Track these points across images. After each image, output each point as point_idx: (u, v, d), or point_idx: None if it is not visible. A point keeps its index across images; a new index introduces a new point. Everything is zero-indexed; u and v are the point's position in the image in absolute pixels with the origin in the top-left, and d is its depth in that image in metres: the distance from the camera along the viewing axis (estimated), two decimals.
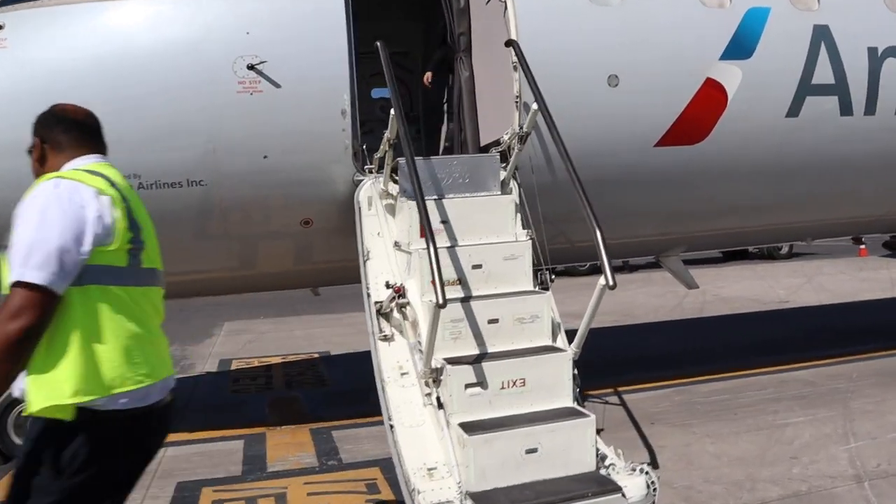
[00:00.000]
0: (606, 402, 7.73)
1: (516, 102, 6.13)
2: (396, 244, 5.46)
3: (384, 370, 5.06)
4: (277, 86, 5.72)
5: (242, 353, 11.48)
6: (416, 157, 5.80)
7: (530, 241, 5.43)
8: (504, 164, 5.92)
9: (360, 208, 5.78)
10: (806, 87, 6.81)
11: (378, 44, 5.57)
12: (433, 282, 4.29)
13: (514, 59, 5.84)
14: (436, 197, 5.60)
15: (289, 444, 6.90)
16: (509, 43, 5.89)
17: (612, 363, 9.57)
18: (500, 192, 5.81)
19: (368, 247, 5.59)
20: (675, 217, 7.19)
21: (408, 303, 5.21)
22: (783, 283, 16.31)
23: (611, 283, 4.42)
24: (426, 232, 4.47)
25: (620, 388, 8.15)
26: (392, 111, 5.23)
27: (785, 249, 21.41)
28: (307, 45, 5.78)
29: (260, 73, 5.69)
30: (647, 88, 6.40)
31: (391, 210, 5.74)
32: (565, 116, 6.19)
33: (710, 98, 6.56)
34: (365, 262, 5.55)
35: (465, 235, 5.46)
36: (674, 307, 13.84)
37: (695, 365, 9.06)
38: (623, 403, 7.69)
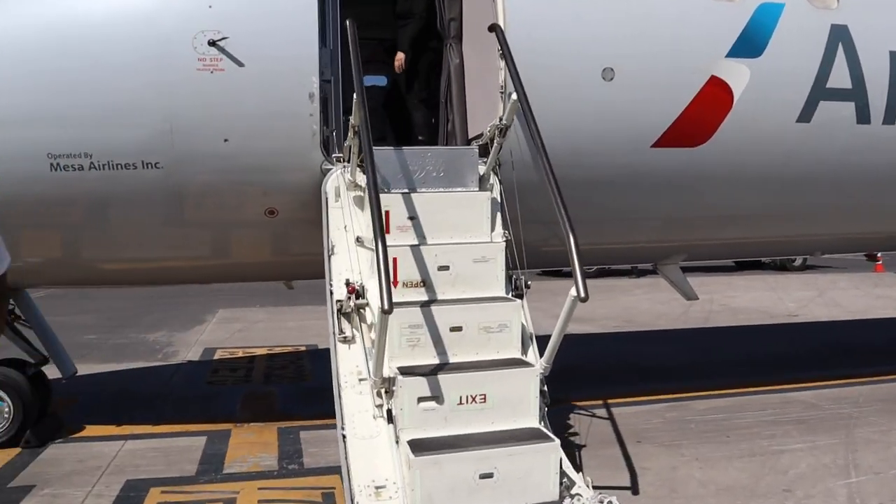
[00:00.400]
0: (594, 415, 7.18)
1: (501, 93, 5.58)
2: (359, 240, 4.96)
3: (341, 374, 4.63)
4: (240, 64, 5.22)
5: (229, 343, 11.06)
6: (386, 148, 5.32)
7: (504, 244, 4.90)
8: (484, 159, 5.39)
9: (326, 199, 5.31)
10: (820, 91, 6.19)
11: (347, 22, 5.08)
12: (381, 283, 3.78)
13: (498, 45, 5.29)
14: (405, 191, 5.09)
15: (252, 444, 6.44)
16: (492, 28, 5.35)
17: (607, 372, 9.03)
18: (477, 189, 5.28)
19: (333, 241, 5.12)
20: (672, 223, 6.62)
21: (366, 304, 4.72)
22: (794, 296, 15.63)
23: (582, 294, 3.88)
24: (374, 227, 3.96)
25: (611, 400, 7.59)
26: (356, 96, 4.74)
27: (798, 261, 20.66)
28: (273, 21, 5.28)
29: (222, 49, 5.19)
30: (645, 84, 5.83)
31: (360, 203, 5.24)
32: (554, 111, 5.67)
33: (715, 98, 5.98)
34: (329, 257, 5.07)
35: (434, 233, 4.95)
36: (678, 315, 13.23)
37: (693, 379, 8.50)
38: (611, 417, 7.14)
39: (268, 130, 5.34)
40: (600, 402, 7.53)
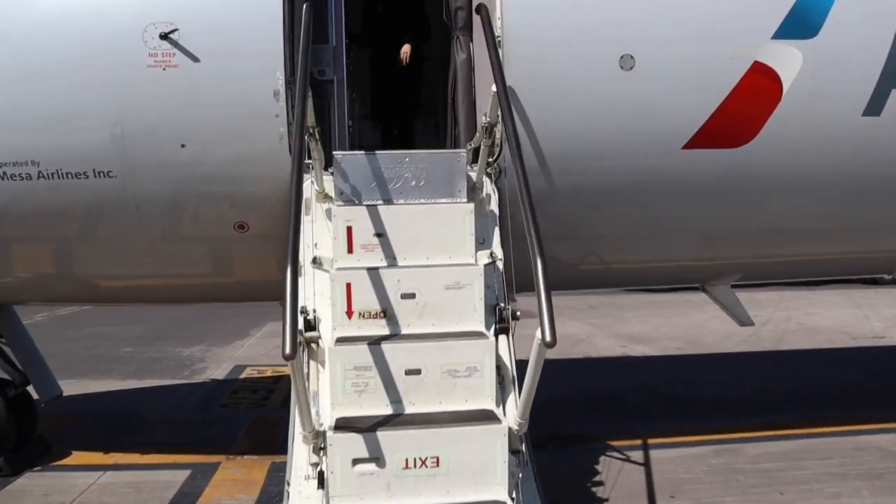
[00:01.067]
0: (627, 459, 6.16)
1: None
2: (315, 260, 4.16)
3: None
4: (195, 59, 4.53)
5: (264, 360, 10.45)
6: (357, 153, 4.53)
7: (481, 267, 4.00)
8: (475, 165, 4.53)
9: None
10: (891, 78, 5.02)
11: (304, 6, 4.31)
12: (285, 315, 2.98)
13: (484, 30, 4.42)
14: (378, 202, 4.27)
15: (235, 482, 5.75)
16: (478, 9, 4.48)
17: (654, 403, 7.93)
18: (465, 200, 4.41)
19: (317, 254, 4.35)
20: (714, 238, 5.55)
21: (318, 337, 3.92)
22: (882, 315, 13.94)
23: (548, 338, 2.96)
24: (288, 252, 3.15)
25: (651, 440, 6.54)
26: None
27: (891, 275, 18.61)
28: (233, 10, 4.57)
29: (175, 43, 4.51)
30: (672, 73, 4.83)
31: (330, 216, 4.45)
32: (564, 107, 4.78)
33: (759, 88, 4.91)
34: (314, 272, 4.31)
35: (404, 253, 4.13)
36: (749, 336, 11.85)
37: (751, 414, 7.32)
38: (647, 462, 6.10)
39: (228, 134, 4.63)
40: (639, 441, 6.50)
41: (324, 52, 6.33)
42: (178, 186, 4.76)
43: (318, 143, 4.19)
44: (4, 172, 4.65)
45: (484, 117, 4.34)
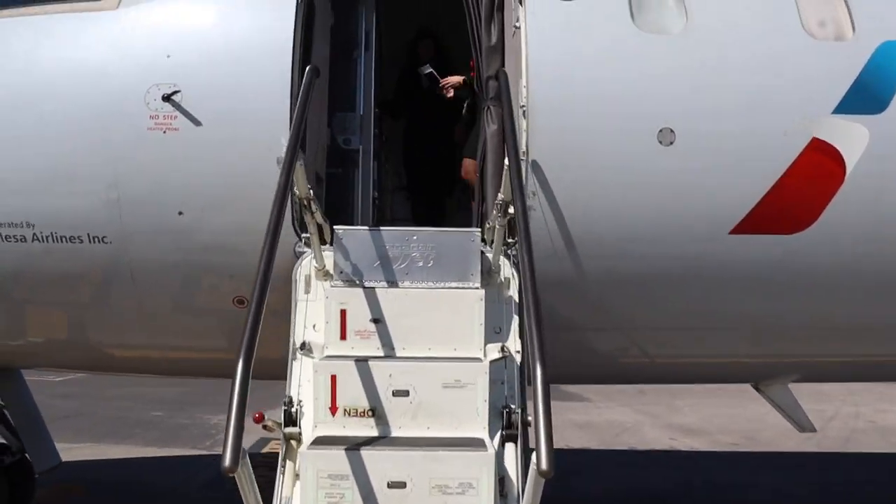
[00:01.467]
0: None
1: (523, 160, 4.24)
2: (304, 346, 3.69)
3: None
4: (197, 123, 4.22)
5: None
6: (360, 228, 4.11)
7: (487, 364, 3.47)
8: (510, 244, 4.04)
9: (296, 290, 4.12)
10: None
11: (308, 69, 3.98)
12: (227, 424, 2.51)
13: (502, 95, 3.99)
14: (381, 283, 3.81)
15: None
16: (497, 75, 4.07)
17: None
18: (478, 284, 3.91)
19: (307, 338, 3.89)
20: (767, 334, 4.89)
21: (299, 433, 3.43)
22: None
23: (544, 466, 2.40)
24: (243, 338, 2.70)
25: None
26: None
27: None
28: (237, 71, 4.26)
29: (177, 105, 4.22)
30: (718, 149, 4.30)
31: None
32: (596, 185, 4.27)
33: (818, 167, 4.33)
34: (291, 361, 3.85)
35: (403, 343, 3.65)
36: (812, 433, 10.81)
37: None
38: None
39: (228, 202, 4.27)
40: None
41: (350, 121, 6.02)
42: (174, 256, 4.41)
43: (315, 215, 3.78)
44: (1, 233, 4.39)
45: (499, 194, 3.87)
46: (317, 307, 3.99)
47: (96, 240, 4.37)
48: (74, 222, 4.35)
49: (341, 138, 5.99)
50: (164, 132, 4.23)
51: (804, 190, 4.36)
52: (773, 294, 4.63)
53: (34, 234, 4.38)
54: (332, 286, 3.84)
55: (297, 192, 3.66)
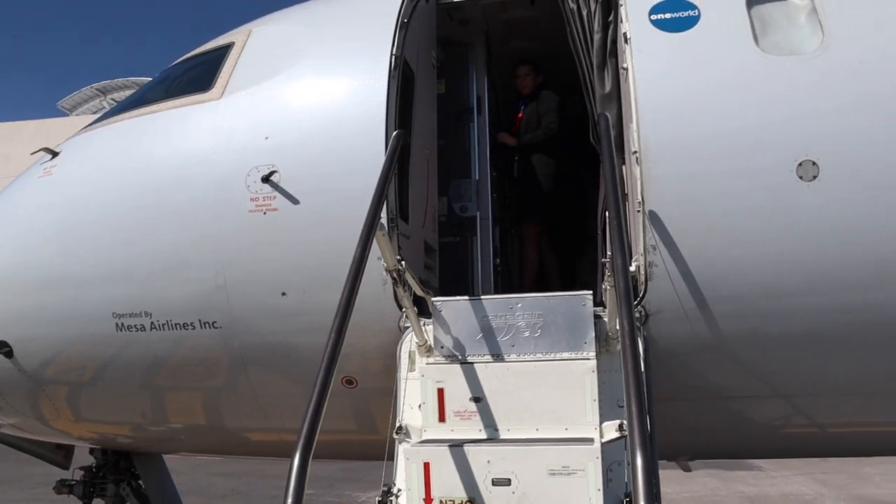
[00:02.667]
0: None
1: (639, 211, 3.72)
2: (401, 430, 3.32)
3: None
4: (295, 201, 4.08)
5: None
6: (458, 299, 3.72)
7: (599, 447, 2.93)
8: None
9: (399, 367, 3.80)
10: None
11: (395, 133, 3.72)
12: None
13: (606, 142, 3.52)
14: (484, 357, 3.40)
15: None
16: (598, 120, 3.61)
17: None
18: (592, 353, 3.41)
19: (405, 421, 3.54)
20: None
21: None
22: None
23: None
24: (302, 429, 2.38)
25: None
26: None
27: None
28: (334, 148, 4.09)
29: (275, 186, 4.10)
30: (872, 180, 3.55)
31: (433, 374, 3.63)
32: (727, 234, 3.68)
33: None
34: (398, 443, 3.51)
35: (508, 423, 3.22)
36: None
37: None
38: None
39: (328, 281, 4.03)
40: None
41: (466, 187, 5.73)
42: (281, 338, 4.24)
43: (407, 288, 3.44)
44: (123, 323, 4.42)
45: (608, 251, 3.36)
46: (418, 385, 3.63)
47: (207, 325, 4.29)
48: (187, 308, 4.31)
49: (458, 206, 5.72)
50: (265, 213, 4.12)
51: None
52: None
53: (151, 322, 4.37)
54: (428, 363, 3.47)
55: (385, 264, 3.35)
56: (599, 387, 3.25)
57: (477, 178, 5.74)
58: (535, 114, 5.87)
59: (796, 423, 4.27)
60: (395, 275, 3.35)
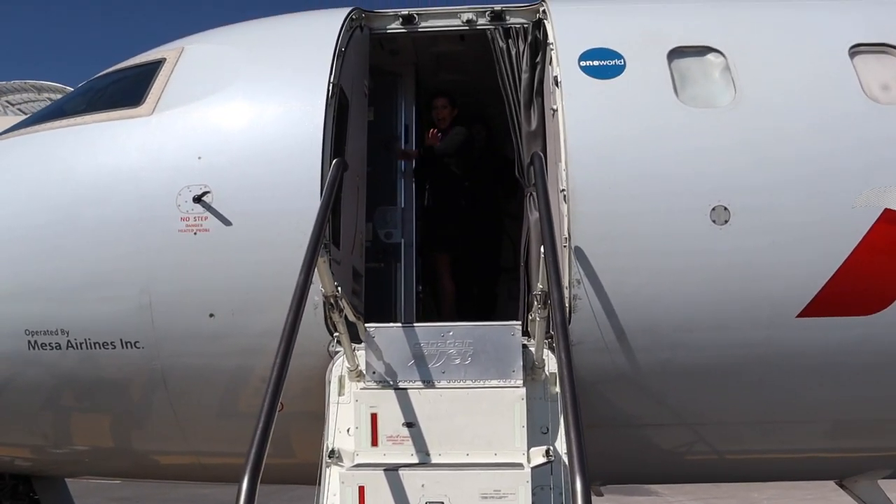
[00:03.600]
0: None
1: (565, 247, 3.89)
2: (333, 454, 3.33)
3: None
4: (227, 223, 4.03)
5: None
6: (392, 326, 3.78)
7: (529, 472, 3.04)
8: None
9: (329, 391, 3.80)
10: None
11: (334, 162, 3.77)
12: None
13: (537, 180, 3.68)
14: (416, 383, 3.46)
15: None
16: (532, 160, 3.78)
17: None
18: (521, 382, 3.52)
19: (335, 445, 3.53)
20: (848, 426, 4.30)
21: None
22: None
23: None
24: (249, 456, 2.38)
25: None
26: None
27: None
28: (268, 170, 4.08)
29: (207, 206, 4.04)
30: (778, 225, 3.87)
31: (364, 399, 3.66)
32: (646, 271, 3.89)
33: (892, 241, 3.85)
34: (326, 468, 3.49)
35: (439, 448, 3.28)
36: None
37: None
38: None
39: (258, 304, 4.01)
40: None
41: (391, 214, 5.80)
42: (208, 360, 4.16)
43: (342, 313, 3.48)
44: (36, 341, 4.22)
45: (538, 283, 3.51)
46: (350, 410, 3.65)
47: (129, 345, 4.16)
48: (107, 328, 4.16)
49: (383, 232, 5.78)
50: (196, 233, 4.05)
51: (879, 266, 3.88)
52: (851, 381, 4.09)
53: (69, 341, 4.20)
54: (361, 389, 3.50)
55: (323, 290, 3.38)
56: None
57: (402, 205, 5.82)
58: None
59: (700, 450, 4.53)
60: (332, 300, 3.38)
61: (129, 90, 4.61)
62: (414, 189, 5.89)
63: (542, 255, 3.23)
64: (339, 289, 3.44)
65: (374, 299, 5.31)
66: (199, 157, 4.15)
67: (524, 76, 5.02)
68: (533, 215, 5.00)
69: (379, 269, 5.60)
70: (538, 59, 4.98)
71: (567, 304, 3.84)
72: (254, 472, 2.42)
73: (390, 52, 5.88)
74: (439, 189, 5.93)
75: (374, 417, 3.36)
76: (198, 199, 4.05)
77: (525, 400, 3.36)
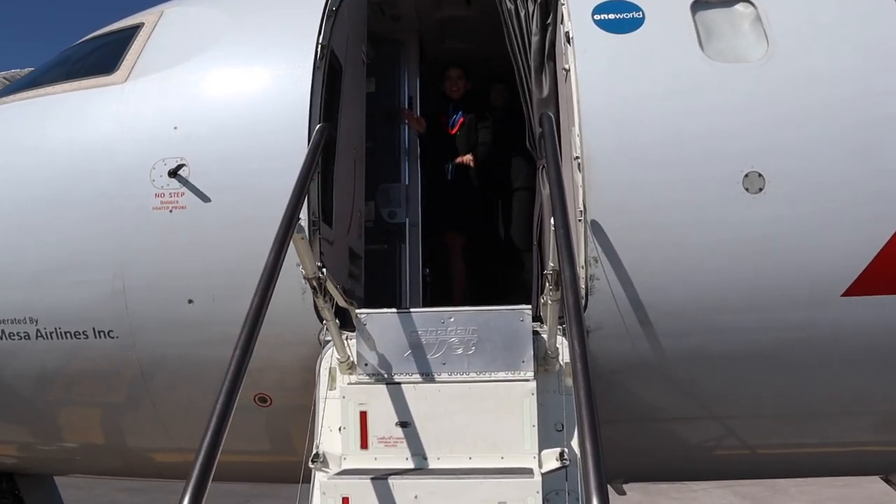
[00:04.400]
0: None
1: (580, 220, 3.45)
2: (317, 458, 2.93)
3: None
4: (206, 199, 3.63)
5: None
6: (385, 311, 3.36)
7: (539, 480, 2.63)
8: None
9: (318, 385, 3.41)
10: None
11: (318, 127, 3.36)
12: None
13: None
14: (412, 377, 3.06)
15: None
16: (541, 121, 3.35)
17: None
18: (531, 374, 3.10)
19: (323, 448, 3.14)
20: None
21: None
22: None
23: None
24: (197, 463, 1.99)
25: None
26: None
27: None
28: (250, 142, 3.67)
29: (184, 181, 3.65)
30: (820, 193, 3.40)
31: (353, 395, 3.26)
32: (671, 246, 3.45)
33: None
34: (314, 472, 3.10)
35: (438, 451, 2.88)
36: None
37: None
38: None
39: (241, 288, 3.59)
40: None
41: (395, 192, 5.38)
42: (187, 350, 3.78)
43: (328, 297, 3.07)
44: (3, 331, 3.87)
45: (549, 262, 3.07)
46: (338, 407, 3.25)
47: (102, 334, 3.79)
48: (78, 315, 3.79)
49: (386, 211, 5.37)
50: (171, 211, 3.66)
51: None
52: None
53: (38, 330, 3.84)
54: (349, 383, 3.10)
55: (303, 271, 2.98)
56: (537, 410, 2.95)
57: (407, 182, 5.40)
58: (474, 127, 5.49)
59: (732, 445, 4.09)
60: (314, 283, 2.98)
61: (103, 58, 4.23)
62: (419, 165, 5.47)
63: (553, 229, 2.80)
64: (325, 270, 3.03)
65: (377, 284, 4.92)
66: (176, 127, 3.75)
67: (534, 38, 4.60)
68: (545, 189, 4.58)
69: (382, 252, 5.20)
70: (549, 21, 4.55)
71: (584, 285, 3.41)
72: (198, 488, 2.01)
73: (391, 18, 5.45)
74: (449, 163, 5.48)
75: (363, 416, 2.96)
76: (173, 174, 3.66)
77: (536, 395, 2.94)
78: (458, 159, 5.30)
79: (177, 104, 3.82)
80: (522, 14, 4.64)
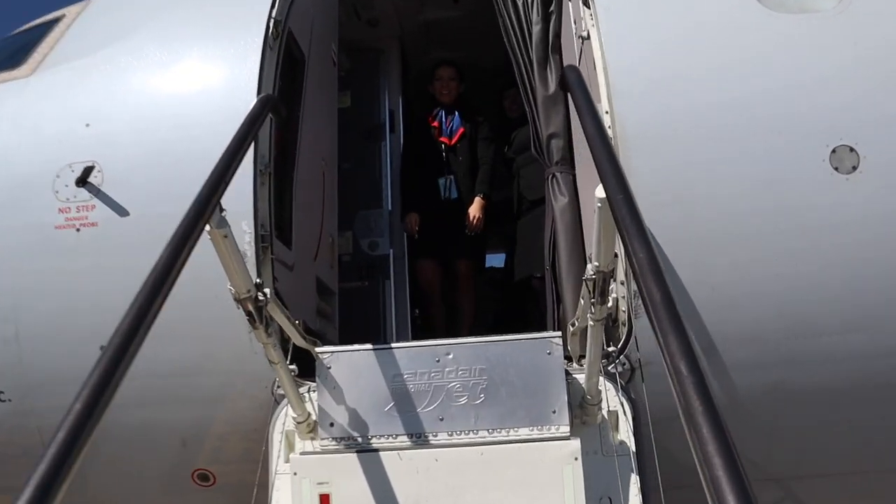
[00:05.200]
0: None
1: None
2: None
3: None
4: (122, 212, 2.74)
5: None
6: (361, 347, 2.44)
7: None
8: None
9: (271, 456, 2.47)
10: None
11: (257, 100, 2.51)
12: None
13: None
14: (395, 441, 2.11)
15: None
16: (564, 76, 2.50)
17: None
18: (568, 429, 2.16)
19: None
20: None
21: None
22: None
23: None
24: None
25: None
26: None
27: None
28: (179, 139, 2.81)
29: (95, 190, 2.76)
30: None
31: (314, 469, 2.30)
32: (733, 241, 2.55)
33: None
34: None
35: None
36: None
37: None
38: None
39: (170, 330, 2.66)
40: None
41: (376, 219, 4.50)
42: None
43: (274, 339, 2.15)
44: None
45: (589, 264, 2.14)
46: (289, 486, 2.28)
47: None
48: None
49: (366, 242, 4.48)
50: (78, 230, 2.78)
51: None
52: None
53: None
54: (302, 453, 2.15)
55: (231, 287, 2.07)
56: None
57: (389, 208, 4.53)
58: (473, 136, 4.61)
59: None
60: (250, 305, 2.06)
61: (14, 53, 3.41)
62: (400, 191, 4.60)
63: (598, 206, 1.89)
64: (268, 290, 2.12)
65: (356, 326, 4.00)
66: (88, 125, 2.88)
67: (535, 28, 3.88)
68: (558, 202, 3.72)
69: (362, 289, 4.30)
70: (552, 8, 3.81)
71: (627, 306, 2.51)
72: None
73: (368, 23, 4.70)
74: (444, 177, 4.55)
75: (324, 502, 2.00)
76: (82, 182, 2.78)
77: (580, 459, 1.99)
78: (469, 216, 4.34)
79: (90, 98, 2.97)
80: (521, 2, 3.90)
